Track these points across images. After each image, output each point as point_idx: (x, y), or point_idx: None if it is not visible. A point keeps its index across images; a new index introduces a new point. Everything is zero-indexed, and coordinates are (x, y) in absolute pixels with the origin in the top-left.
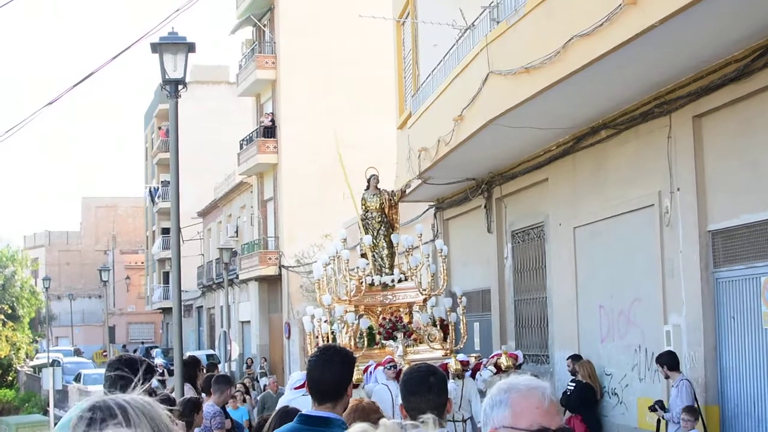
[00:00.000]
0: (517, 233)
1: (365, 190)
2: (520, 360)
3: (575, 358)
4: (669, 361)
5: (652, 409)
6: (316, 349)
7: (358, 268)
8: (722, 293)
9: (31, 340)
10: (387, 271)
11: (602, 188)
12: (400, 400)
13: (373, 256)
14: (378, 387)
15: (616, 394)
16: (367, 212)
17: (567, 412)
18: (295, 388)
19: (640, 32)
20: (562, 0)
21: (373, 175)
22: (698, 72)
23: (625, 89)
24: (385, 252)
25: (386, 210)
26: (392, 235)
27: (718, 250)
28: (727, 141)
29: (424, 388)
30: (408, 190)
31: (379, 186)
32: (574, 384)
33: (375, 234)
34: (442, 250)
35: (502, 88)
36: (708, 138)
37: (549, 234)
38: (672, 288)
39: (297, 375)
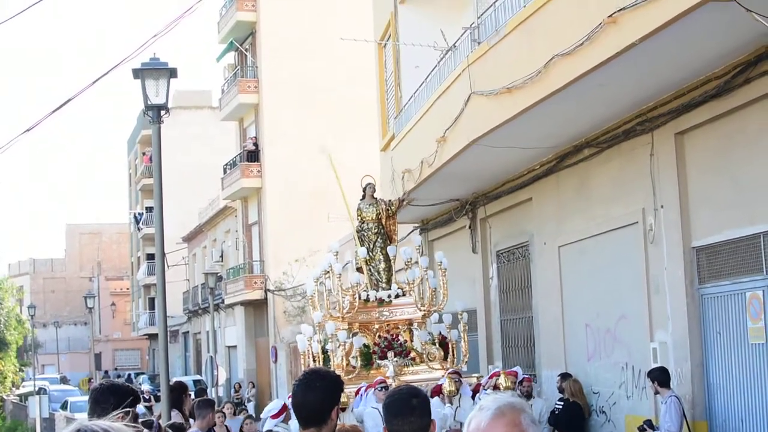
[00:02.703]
0: (502, 253)
1: (361, 199)
2: (520, 377)
3: (565, 376)
4: (660, 377)
5: (641, 429)
6: (301, 372)
7: (352, 285)
8: (708, 309)
9: (18, 369)
10: (384, 285)
11: (586, 207)
12: None
13: (369, 269)
14: (368, 410)
15: (604, 412)
16: (362, 223)
17: (556, 431)
18: (272, 417)
19: (621, 50)
20: (542, 20)
21: (369, 183)
22: (679, 89)
23: (606, 107)
24: (382, 265)
25: (383, 221)
26: (389, 248)
27: (702, 267)
28: (709, 157)
29: (407, 411)
30: (405, 200)
31: (375, 195)
32: (561, 403)
33: (371, 246)
34: (441, 262)
35: (485, 109)
36: (690, 155)
37: (534, 253)
38: (658, 305)
39: (273, 403)
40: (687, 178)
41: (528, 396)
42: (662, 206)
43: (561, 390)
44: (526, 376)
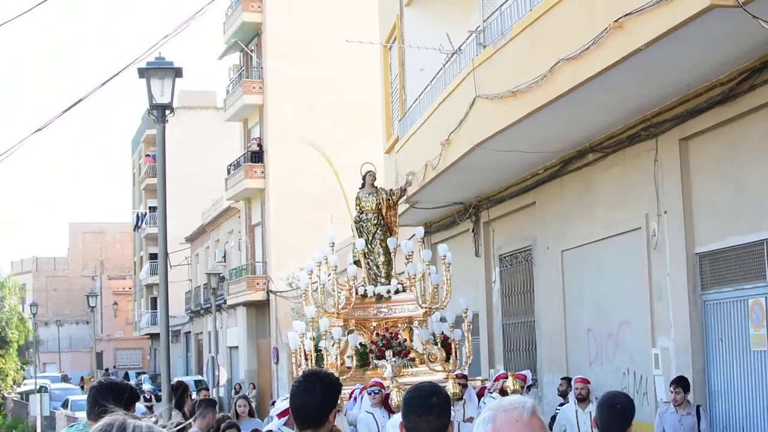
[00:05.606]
0: (505, 257)
1: (360, 188)
2: (529, 381)
3: (568, 380)
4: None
5: None
6: (300, 373)
7: (349, 278)
8: (710, 316)
9: (19, 367)
10: (383, 280)
11: (590, 212)
12: (386, 430)
13: (368, 263)
14: (362, 415)
15: None
16: (361, 213)
17: None
18: (278, 415)
19: (626, 56)
20: (548, 24)
21: (369, 171)
22: (684, 95)
23: (611, 113)
24: (381, 259)
25: (383, 211)
26: (389, 240)
27: (705, 273)
28: (713, 164)
29: (425, 408)
30: (406, 188)
31: (375, 184)
32: (561, 408)
33: (370, 238)
34: (445, 257)
35: (489, 112)
36: (694, 161)
37: (537, 257)
38: (660, 311)
39: (282, 403)
40: (691, 184)
41: (583, 400)
42: (666, 212)
43: (562, 394)
44: (579, 377)
